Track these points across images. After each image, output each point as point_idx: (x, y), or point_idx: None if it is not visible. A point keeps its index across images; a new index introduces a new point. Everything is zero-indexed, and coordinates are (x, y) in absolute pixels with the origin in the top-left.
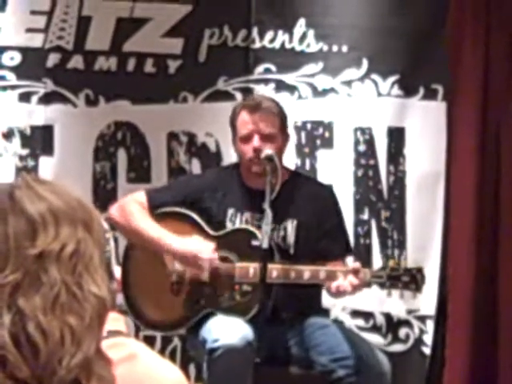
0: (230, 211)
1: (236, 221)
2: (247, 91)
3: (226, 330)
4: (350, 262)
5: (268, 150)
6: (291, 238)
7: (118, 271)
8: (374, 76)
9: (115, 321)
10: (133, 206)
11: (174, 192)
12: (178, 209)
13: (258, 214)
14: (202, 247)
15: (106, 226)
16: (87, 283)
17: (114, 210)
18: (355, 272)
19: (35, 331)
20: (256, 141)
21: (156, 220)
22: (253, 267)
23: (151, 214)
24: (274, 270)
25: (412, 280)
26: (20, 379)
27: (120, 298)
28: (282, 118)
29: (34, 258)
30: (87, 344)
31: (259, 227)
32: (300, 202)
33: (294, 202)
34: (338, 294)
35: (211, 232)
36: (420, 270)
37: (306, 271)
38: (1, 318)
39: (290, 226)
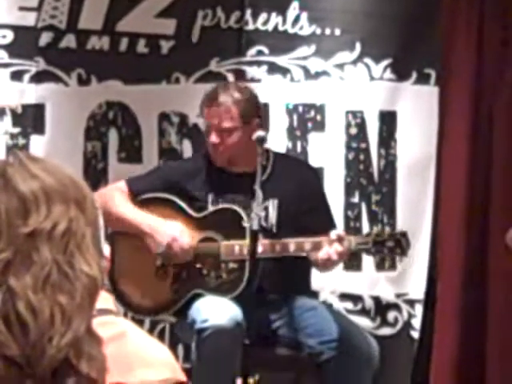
0: (211, 197)
1: (218, 205)
2: (240, 73)
3: (215, 311)
4: (334, 234)
5: (259, 132)
6: (273, 218)
7: (107, 249)
8: (367, 59)
9: (105, 299)
10: (113, 193)
11: (155, 179)
12: (160, 194)
13: (241, 197)
14: (178, 237)
15: (97, 204)
16: (79, 262)
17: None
18: (340, 240)
19: (25, 310)
20: (213, 137)
21: (138, 206)
22: (238, 245)
23: (132, 201)
24: (260, 244)
25: (397, 244)
26: (9, 358)
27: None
28: (244, 108)
29: (26, 236)
30: (77, 323)
31: (245, 208)
32: (281, 181)
33: (275, 182)
34: (325, 263)
35: (194, 214)
36: (404, 234)
37: (291, 243)
38: None
39: (272, 205)
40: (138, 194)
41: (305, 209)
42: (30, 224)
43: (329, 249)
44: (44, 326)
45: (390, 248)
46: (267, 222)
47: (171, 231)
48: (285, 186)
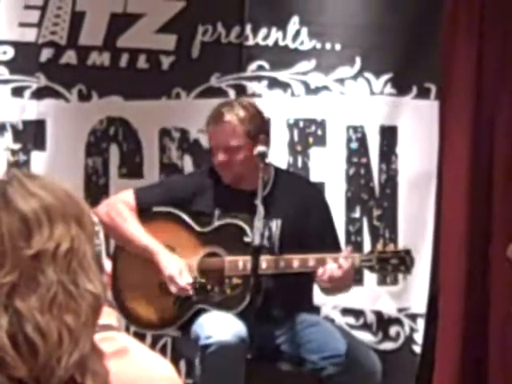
0: (217, 213)
1: (223, 221)
2: (240, 88)
3: (219, 327)
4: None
5: (261, 147)
6: (276, 238)
7: (108, 265)
8: (367, 74)
9: (107, 315)
10: (120, 206)
11: (163, 191)
12: (164, 208)
13: (245, 214)
14: (177, 276)
15: (95, 219)
16: (82, 281)
17: (100, 210)
18: (344, 258)
19: (33, 332)
20: (220, 156)
21: (143, 219)
22: (242, 260)
23: (138, 214)
24: (264, 260)
25: (401, 262)
26: (18, 379)
27: (109, 294)
28: (249, 125)
29: (30, 258)
30: (83, 341)
31: (247, 222)
32: (286, 200)
33: (279, 201)
34: (329, 280)
35: (199, 228)
36: (408, 252)
37: (296, 260)
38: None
39: (275, 225)
40: (144, 207)
41: (309, 230)
42: (34, 246)
43: (332, 265)
44: (53, 347)
45: (393, 265)
46: (270, 242)
47: (170, 270)
48: (288, 205)
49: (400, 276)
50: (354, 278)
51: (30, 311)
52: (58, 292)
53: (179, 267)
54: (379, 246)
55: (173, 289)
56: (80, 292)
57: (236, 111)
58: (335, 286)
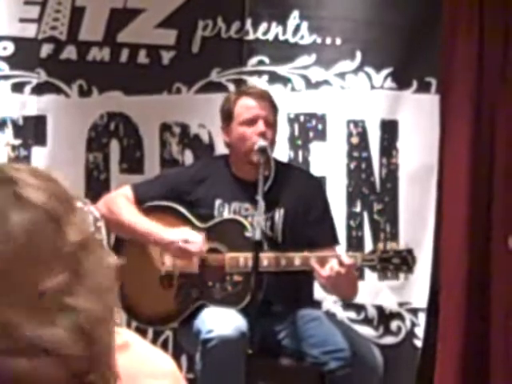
0: (218, 202)
1: (224, 211)
2: (241, 83)
3: (220, 321)
4: (340, 251)
5: (261, 142)
6: (279, 227)
7: None
8: (368, 68)
9: None
10: (119, 199)
11: (161, 185)
12: (164, 202)
13: (247, 204)
14: (190, 237)
15: (97, 213)
16: (105, 256)
17: (100, 205)
18: (345, 256)
19: (91, 323)
20: (261, 125)
21: (143, 214)
22: (243, 257)
23: (138, 208)
24: (265, 258)
25: (403, 262)
26: (81, 373)
27: None
28: (277, 111)
29: (70, 254)
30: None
31: (247, 217)
32: (287, 191)
33: (281, 192)
34: (330, 279)
35: (199, 224)
36: (410, 251)
37: (297, 258)
38: (53, 319)
39: (278, 215)
40: (143, 201)
41: (310, 221)
42: (68, 242)
43: (334, 265)
44: (107, 334)
45: (395, 265)
46: (273, 232)
47: (179, 235)
48: (291, 196)
49: (402, 275)
50: (356, 282)
51: (83, 304)
52: (101, 277)
53: (185, 233)
54: (381, 246)
55: (187, 256)
56: (108, 269)
57: (271, 96)
58: (336, 285)
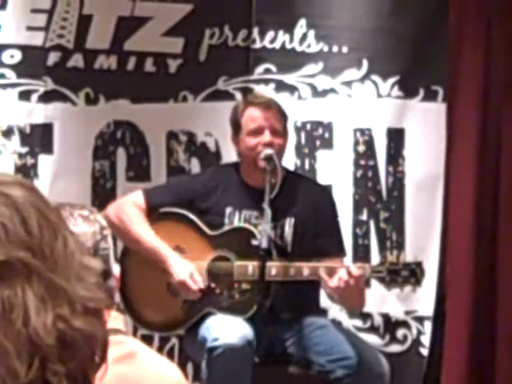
0: (228, 209)
1: (234, 219)
2: (247, 91)
3: (226, 329)
4: (348, 263)
5: (268, 150)
6: (289, 236)
7: (116, 269)
8: (374, 77)
9: (114, 319)
10: (129, 207)
11: (172, 192)
12: (175, 209)
13: (257, 212)
14: (188, 281)
15: (104, 222)
16: None
17: (110, 211)
18: (354, 268)
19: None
20: (267, 135)
21: (153, 220)
22: (251, 265)
23: (148, 215)
24: (273, 267)
25: (412, 274)
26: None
27: (118, 297)
28: (286, 118)
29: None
30: None
31: (257, 225)
32: (297, 200)
33: (291, 201)
34: (337, 290)
35: (208, 232)
36: (419, 264)
37: (306, 268)
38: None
39: (288, 223)
40: (154, 207)
41: (319, 230)
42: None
43: (343, 275)
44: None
45: (404, 277)
46: (282, 241)
47: (182, 275)
48: (301, 205)
49: (411, 288)
50: (364, 293)
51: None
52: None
53: (189, 271)
54: (390, 257)
55: (184, 294)
56: None
57: (279, 104)
58: (344, 296)
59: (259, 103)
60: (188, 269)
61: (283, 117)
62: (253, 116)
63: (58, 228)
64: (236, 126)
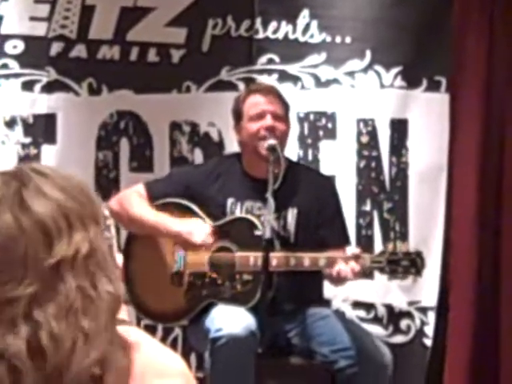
0: (230, 200)
1: (236, 210)
2: (250, 81)
3: (230, 320)
4: (350, 250)
5: (271, 140)
6: (292, 227)
7: (120, 258)
8: (377, 67)
9: None
10: (132, 196)
11: (174, 183)
12: (176, 200)
13: (260, 203)
14: (196, 228)
15: (106, 212)
16: (101, 282)
17: (113, 202)
18: (355, 258)
19: (47, 340)
20: (269, 119)
21: (156, 211)
22: (253, 256)
23: (151, 205)
24: (275, 258)
25: (412, 264)
26: None
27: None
28: (287, 106)
29: (51, 267)
30: (100, 341)
31: (259, 216)
32: (300, 190)
33: (294, 191)
34: (339, 279)
35: (210, 222)
36: (419, 254)
37: (306, 258)
38: (17, 329)
39: (291, 214)
40: (156, 199)
41: (322, 221)
42: (55, 255)
43: (343, 266)
44: (64, 354)
45: (404, 267)
46: (286, 231)
47: (187, 226)
48: (304, 195)
49: (411, 278)
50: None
51: (47, 319)
52: (76, 298)
53: (192, 225)
54: (390, 247)
55: (196, 240)
56: (99, 294)
57: (279, 91)
58: (342, 283)
59: (261, 89)
60: (193, 221)
61: (284, 104)
62: (254, 102)
63: None
64: (238, 114)
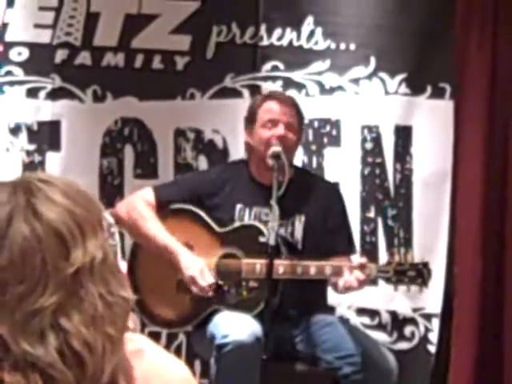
0: (238, 206)
1: (244, 216)
2: (255, 88)
3: (236, 326)
4: (356, 259)
5: (275, 147)
6: (299, 234)
7: (123, 266)
8: (382, 74)
9: None
10: (140, 204)
11: (182, 188)
12: (184, 206)
13: (267, 209)
14: (198, 277)
15: (111, 219)
16: (115, 288)
17: (120, 208)
18: (361, 267)
19: (81, 347)
20: (281, 128)
21: (162, 217)
22: (259, 263)
23: (158, 212)
24: (281, 265)
25: (418, 275)
26: None
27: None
28: (302, 117)
29: (71, 276)
30: (120, 347)
31: (266, 222)
32: (308, 198)
33: (301, 198)
34: (344, 289)
35: (217, 229)
36: (426, 265)
37: (312, 267)
38: (46, 339)
39: (298, 221)
40: (164, 204)
41: (328, 228)
42: (73, 263)
43: (349, 276)
44: (98, 359)
45: (410, 278)
46: (293, 238)
47: (191, 271)
48: (312, 202)
49: (417, 288)
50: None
51: (76, 327)
52: (98, 304)
53: (200, 267)
54: (397, 257)
55: (194, 289)
56: (115, 300)
57: (297, 103)
58: (348, 291)
59: (279, 98)
60: (198, 265)
61: (299, 115)
62: (270, 108)
63: None
64: (251, 116)
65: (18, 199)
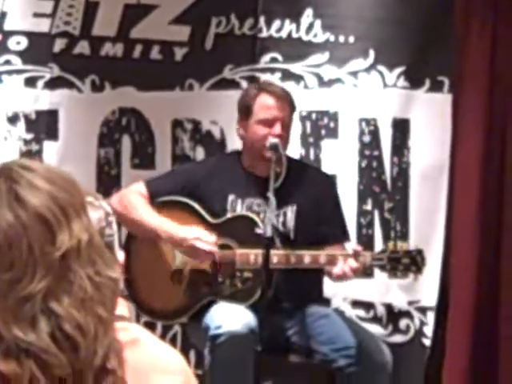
0: (231, 197)
1: (237, 207)
2: (253, 80)
3: (229, 317)
4: (351, 246)
5: (273, 139)
6: (291, 223)
7: (121, 255)
8: (380, 67)
9: (119, 306)
10: (132, 195)
11: (174, 180)
12: (177, 197)
13: (260, 200)
14: (203, 236)
15: (108, 208)
16: (102, 268)
17: (113, 200)
18: (356, 255)
19: (73, 330)
20: (278, 128)
21: (156, 209)
22: (253, 254)
23: (151, 203)
24: (275, 255)
25: (412, 262)
26: (60, 378)
27: (122, 284)
28: (294, 110)
29: (59, 260)
30: (111, 328)
31: (259, 213)
32: (300, 188)
33: (294, 189)
34: (339, 278)
35: (211, 220)
36: (420, 252)
37: (307, 256)
38: (37, 324)
39: (290, 211)
40: (156, 197)
41: (321, 218)
42: (60, 247)
43: (344, 264)
44: (91, 341)
45: (405, 265)
46: (285, 228)
47: (191, 239)
48: (303, 192)
49: (411, 276)
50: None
51: (67, 311)
52: (87, 286)
53: (196, 233)
54: (391, 245)
55: (198, 257)
56: (103, 280)
57: (291, 95)
58: (343, 279)
59: (274, 92)
60: (194, 231)
61: (293, 109)
62: (266, 104)
63: None
64: (246, 110)
65: (0, 186)
